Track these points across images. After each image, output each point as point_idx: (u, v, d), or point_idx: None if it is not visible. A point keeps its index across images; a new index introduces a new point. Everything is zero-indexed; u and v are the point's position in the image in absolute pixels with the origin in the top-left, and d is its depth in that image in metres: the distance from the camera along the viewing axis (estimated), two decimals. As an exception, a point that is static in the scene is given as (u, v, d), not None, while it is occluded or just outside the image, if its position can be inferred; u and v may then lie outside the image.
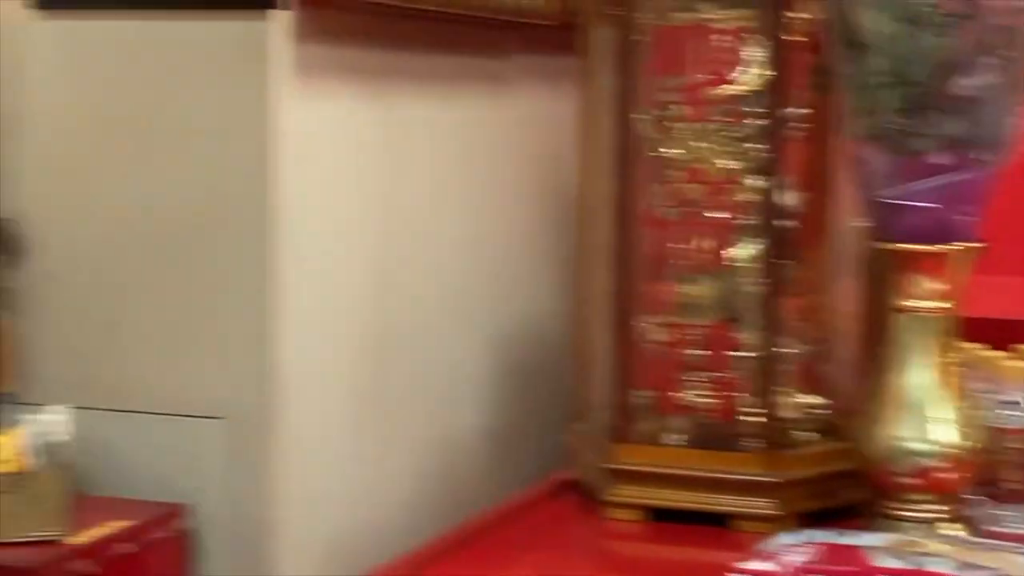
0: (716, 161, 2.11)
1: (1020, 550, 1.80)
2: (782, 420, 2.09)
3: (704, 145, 2.11)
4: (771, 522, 2.02)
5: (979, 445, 1.96)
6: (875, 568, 1.78)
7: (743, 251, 2.10)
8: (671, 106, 2.12)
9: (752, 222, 2.10)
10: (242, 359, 2.21)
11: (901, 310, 1.96)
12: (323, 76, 2.28)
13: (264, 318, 2.20)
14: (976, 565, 1.77)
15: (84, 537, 2.03)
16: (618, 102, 2.13)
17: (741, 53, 2.09)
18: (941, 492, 1.96)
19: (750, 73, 2.09)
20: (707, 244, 2.12)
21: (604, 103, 2.16)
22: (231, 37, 2.19)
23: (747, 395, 2.10)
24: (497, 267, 2.73)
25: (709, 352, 2.12)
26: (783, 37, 2.07)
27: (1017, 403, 2.08)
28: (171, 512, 2.18)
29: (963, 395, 1.97)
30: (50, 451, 2.05)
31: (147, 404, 2.25)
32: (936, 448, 1.94)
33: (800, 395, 2.12)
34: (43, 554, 1.99)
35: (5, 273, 2.26)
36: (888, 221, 1.95)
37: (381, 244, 2.43)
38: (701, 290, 2.12)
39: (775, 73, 2.07)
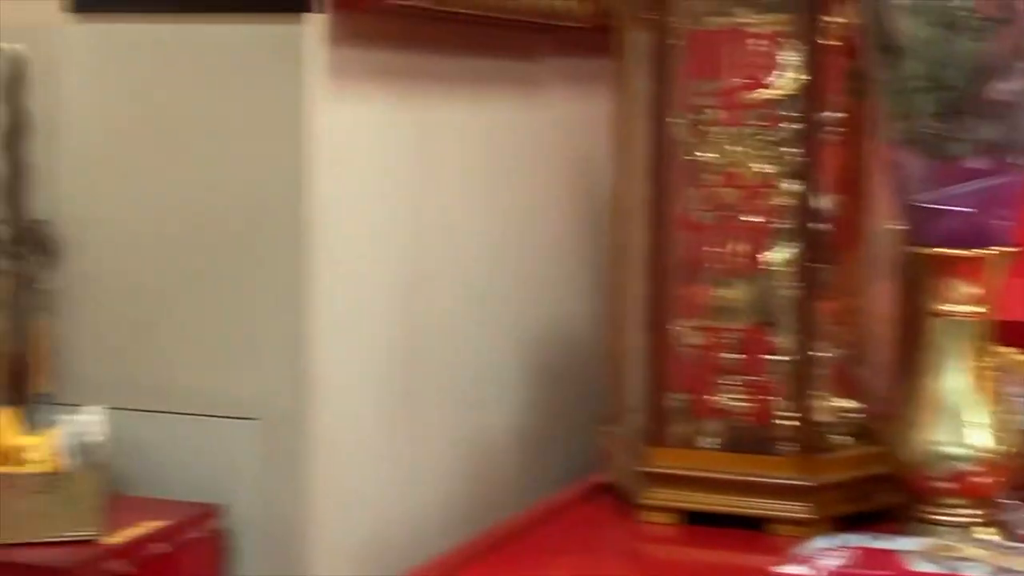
0: (751, 165, 2.11)
1: (1055, 554, 1.81)
2: (817, 424, 2.09)
3: (739, 149, 2.11)
4: (806, 526, 2.02)
5: (1014, 449, 1.96)
6: (910, 572, 1.78)
7: (778, 255, 2.10)
8: (706, 110, 2.12)
9: (787, 226, 2.09)
10: (276, 360, 2.22)
11: (936, 314, 1.96)
12: (356, 79, 2.29)
13: (298, 320, 2.21)
14: (1011, 570, 1.78)
15: (119, 537, 2.05)
16: (653, 106, 2.12)
17: (777, 57, 2.09)
18: (976, 496, 1.96)
19: (786, 77, 2.09)
20: (742, 248, 2.11)
21: (639, 107, 2.15)
22: (266, 40, 2.20)
23: (782, 399, 2.10)
24: (527, 269, 2.73)
25: (744, 356, 2.11)
26: (819, 41, 2.07)
27: (1052, 407, 2.07)
28: (205, 512, 2.19)
29: (998, 399, 1.97)
30: (86, 451, 2.06)
31: (182, 405, 2.26)
32: (971, 452, 1.94)
33: (835, 399, 2.12)
34: (78, 554, 2.00)
35: (42, 274, 2.27)
36: (924, 225, 1.95)
37: (413, 246, 2.44)
38: (736, 294, 2.12)
39: (811, 77, 2.07)
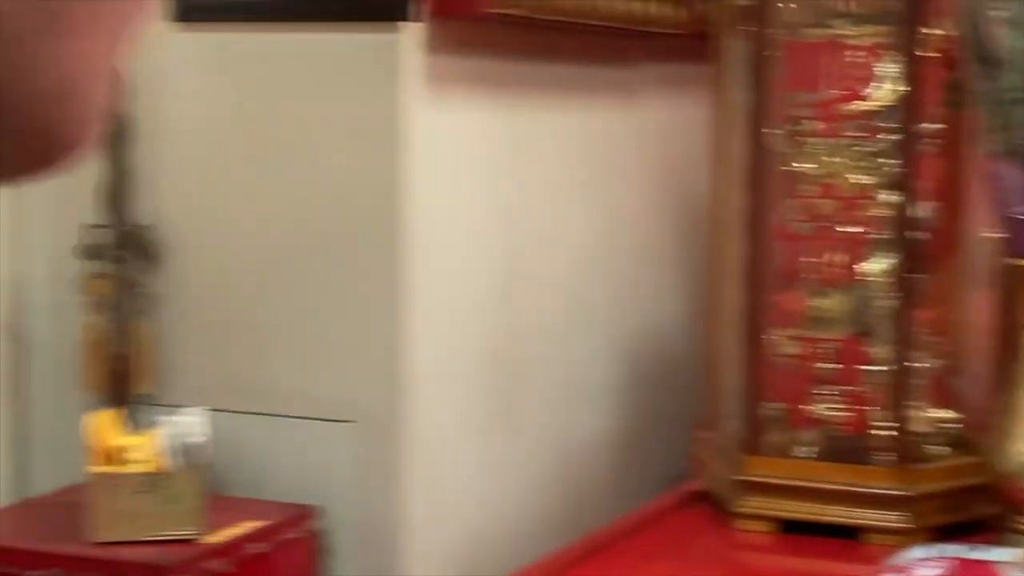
0: (849, 176, 2.10)
1: None
2: (913, 434, 2.09)
3: (837, 160, 2.11)
4: (902, 536, 2.02)
5: (1111, 461, 1.96)
6: (1006, 583, 1.79)
7: (875, 265, 2.10)
8: (804, 121, 2.12)
9: (884, 236, 2.09)
10: (372, 364, 2.24)
11: (1033, 326, 1.96)
12: (453, 86, 2.31)
13: (394, 324, 2.23)
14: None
15: (218, 536, 2.08)
16: (750, 117, 2.13)
17: (875, 69, 2.08)
18: (1072, 508, 1.95)
19: (884, 89, 2.08)
20: (839, 258, 2.11)
21: (736, 117, 2.16)
22: (364, 48, 2.22)
23: (878, 409, 2.09)
24: (622, 275, 2.73)
25: (840, 365, 2.11)
26: (917, 53, 2.07)
27: None
28: (302, 513, 2.21)
29: (1095, 412, 1.96)
30: (187, 452, 2.09)
31: (280, 407, 2.28)
32: (1068, 464, 1.94)
33: (931, 409, 2.11)
34: (179, 552, 2.03)
35: (144, 278, 2.30)
36: (1021, 237, 1.94)
37: (508, 251, 2.45)
38: (833, 304, 2.12)
39: (909, 89, 2.07)
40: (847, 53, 2.10)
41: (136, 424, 2.19)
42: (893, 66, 2.08)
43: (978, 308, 2.13)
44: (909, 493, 2.06)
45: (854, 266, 2.11)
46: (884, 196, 2.09)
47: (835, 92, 2.11)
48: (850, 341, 2.11)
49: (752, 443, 2.13)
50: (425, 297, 2.26)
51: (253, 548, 2.11)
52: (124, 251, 2.28)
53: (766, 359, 2.13)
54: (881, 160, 2.09)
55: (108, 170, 2.24)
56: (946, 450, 2.12)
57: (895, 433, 2.08)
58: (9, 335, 2.38)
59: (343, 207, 2.24)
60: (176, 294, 2.31)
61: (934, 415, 2.12)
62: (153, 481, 2.06)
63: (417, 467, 2.26)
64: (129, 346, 2.27)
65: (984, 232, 2.09)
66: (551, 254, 2.55)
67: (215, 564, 2.04)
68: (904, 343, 2.08)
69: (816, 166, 2.12)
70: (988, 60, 1.93)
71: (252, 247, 2.29)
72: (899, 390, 2.08)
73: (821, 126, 2.11)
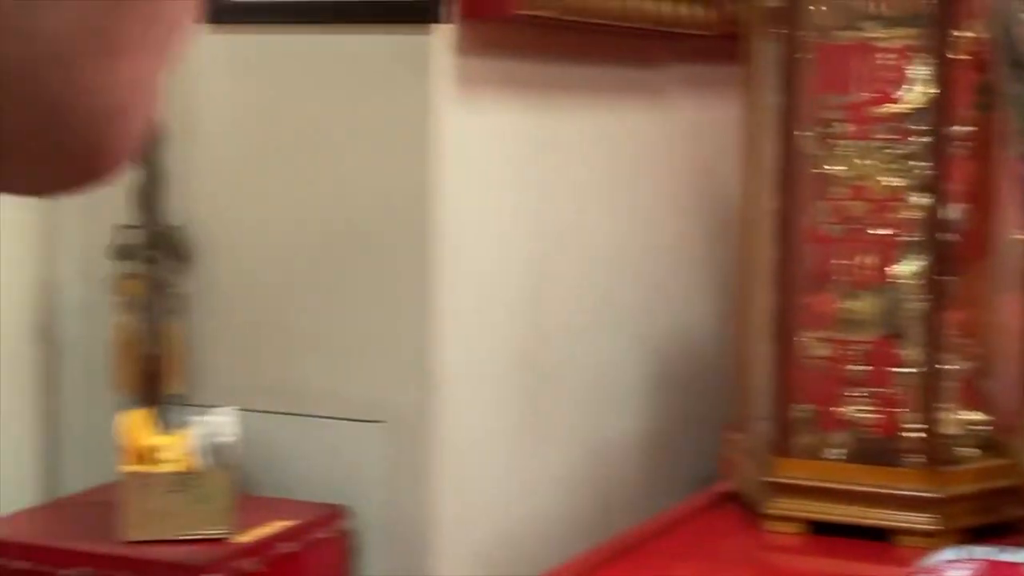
0: (880, 178, 2.10)
1: None
2: (944, 436, 2.09)
3: (868, 162, 2.11)
4: (932, 538, 2.02)
5: None
6: (1038, 586, 1.78)
7: (906, 267, 2.10)
8: (835, 123, 2.12)
9: (915, 239, 2.09)
10: (402, 364, 2.24)
11: (1065, 328, 1.96)
12: (483, 88, 2.31)
13: (424, 324, 2.23)
14: None
15: (248, 536, 2.08)
16: (781, 119, 2.13)
17: (906, 71, 2.08)
18: (1104, 510, 1.96)
19: (915, 91, 2.08)
20: (870, 260, 2.11)
21: (766, 119, 2.16)
22: (395, 50, 2.22)
23: (909, 411, 2.09)
24: (651, 276, 2.74)
25: (871, 367, 2.11)
26: (948, 55, 2.07)
27: None
28: (332, 513, 2.22)
29: None
30: (217, 451, 2.10)
31: (310, 407, 2.29)
32: (1099, 467, 1.94)
33: (962, 411, 2.11)
34: (209, 552, 2.04)
35: (175, 278, 2.30)
36: (1052, 240, 1.95)
37: (537, 252, 2.45)
38: (863, 306, 2.12)
39: (940, 91, 2.07)
40: (878, 56, 2.10)
41: (167, 424, 2.20)
42: (924, 68, 2.08)
43: (1009, 310, 2.13)
44: (939, 495, 2.06)
45: (885, 268, 2.11)
46: (915, 198, 2.09)
47: (866, 94, 2.11)
48: (881, 343, 2.11)
49: (782, 445, 2.13)
50: (455, 298, 2.26)
51: (283, 548, 2.11)
52: (156, 251, 2.29)
53: (796, 361, 2.13)
54: (912, 162, 2.09)
55: (140, 171, 2.25)
56: (976, 452, 2.12)
57: (925, 435, 2.08)
58: (41, 335, 2.39)
59: (373, 208, 2.25)
60: (207, 294, 2.32)
61: (964, 417, 2.12)
62: (184, 481, 2.07)
63: (447, 468, 2.26)
64: (160, 346, 2.28)
65: (1015, 234, 2.09)
66: (580, 255, 2.55)
67: (245, 563, 2.05)
68: (934, 345, 2.08)
69: (847, 168, 2.12)
70: (1019, 63, 1.92)
71: (283, 248, 2.30)
72: (929, 392, 2.08)
73: (852, 128, 2.11)
